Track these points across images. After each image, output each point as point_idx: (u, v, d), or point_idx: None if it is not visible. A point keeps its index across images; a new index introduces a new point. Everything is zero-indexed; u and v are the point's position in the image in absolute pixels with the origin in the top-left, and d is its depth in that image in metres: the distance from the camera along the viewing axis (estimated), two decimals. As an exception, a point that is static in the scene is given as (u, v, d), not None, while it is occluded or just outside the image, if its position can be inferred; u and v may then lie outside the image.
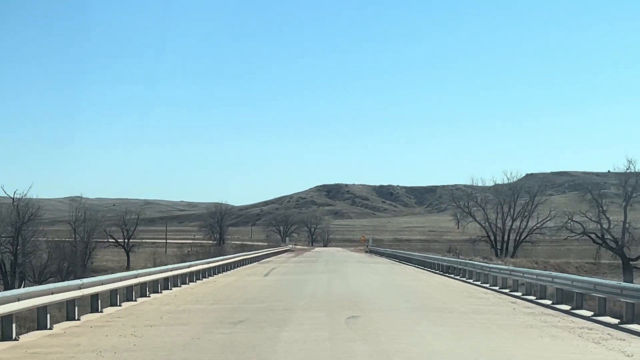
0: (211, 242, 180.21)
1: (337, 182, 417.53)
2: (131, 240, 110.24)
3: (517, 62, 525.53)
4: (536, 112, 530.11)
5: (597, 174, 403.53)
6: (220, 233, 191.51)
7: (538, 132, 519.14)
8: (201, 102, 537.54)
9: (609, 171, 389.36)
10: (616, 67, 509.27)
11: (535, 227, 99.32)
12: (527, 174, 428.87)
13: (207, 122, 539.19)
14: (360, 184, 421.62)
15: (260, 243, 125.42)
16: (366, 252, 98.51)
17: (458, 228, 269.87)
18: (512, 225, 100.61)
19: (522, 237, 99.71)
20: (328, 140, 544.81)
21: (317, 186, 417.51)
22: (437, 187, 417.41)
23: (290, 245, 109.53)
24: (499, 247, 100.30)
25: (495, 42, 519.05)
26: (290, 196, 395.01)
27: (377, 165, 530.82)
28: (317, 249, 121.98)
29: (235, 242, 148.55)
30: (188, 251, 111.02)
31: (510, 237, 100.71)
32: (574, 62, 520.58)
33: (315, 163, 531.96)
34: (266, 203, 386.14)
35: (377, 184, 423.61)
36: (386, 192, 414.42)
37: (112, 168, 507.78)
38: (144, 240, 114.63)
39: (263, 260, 62.04)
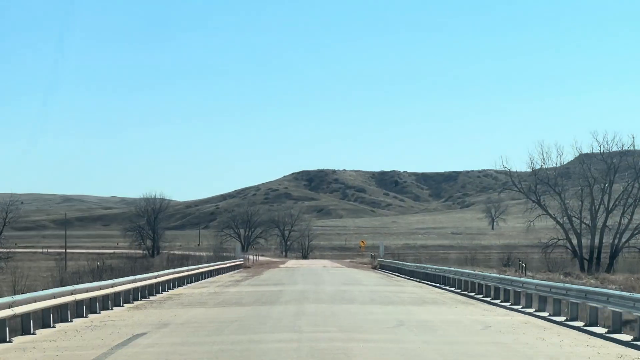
0: (140, 251, 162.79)
1: (321, 168, 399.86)
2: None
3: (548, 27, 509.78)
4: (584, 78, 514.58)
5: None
6: (153, 239, 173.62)
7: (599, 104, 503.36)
8: (144, 80, 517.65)
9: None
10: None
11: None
12: (580, 154, 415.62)
13: (151, 104, 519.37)
14: (354, 171, 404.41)
15: (202, 254, 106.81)
16: (374, 267, 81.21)
17: (492, 229, 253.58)
18: (605, 222, 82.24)
19: (623, 241, 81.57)
20: (308, 115, 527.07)
21: (293, 174, 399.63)
22: (458, 173, 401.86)
23: (243, 258, 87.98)
24: (586, 257, 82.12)
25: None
26: (257, 187, 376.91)
27: (375, 147, 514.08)
28: (291, 262, 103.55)
29: (175, 252, 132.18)
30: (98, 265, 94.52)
31: (603, 241, 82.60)
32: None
33: (290, 144, 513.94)
34: (223, 197, 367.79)
35: (377, 170, 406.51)
36: (389, 181, 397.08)
37: (18, 156, 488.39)
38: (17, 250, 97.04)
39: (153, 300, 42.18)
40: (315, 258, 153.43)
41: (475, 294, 39.24)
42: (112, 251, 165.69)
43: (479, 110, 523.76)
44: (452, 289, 44.19)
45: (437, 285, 48.44)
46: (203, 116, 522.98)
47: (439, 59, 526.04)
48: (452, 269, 47.47)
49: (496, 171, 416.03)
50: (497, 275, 40.15)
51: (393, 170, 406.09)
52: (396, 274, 66.98)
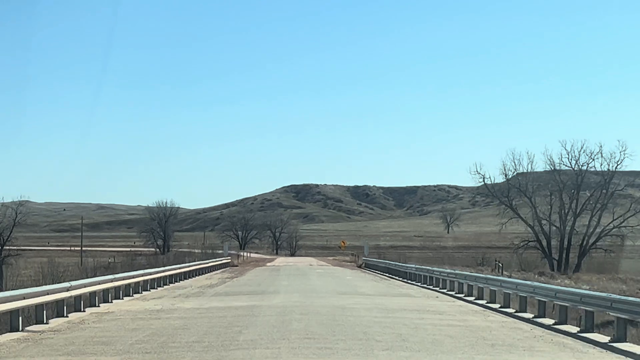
0: (152, 249, 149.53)
1: (306, 182, 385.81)
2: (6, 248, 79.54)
3: (499, 58, 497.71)
4: (529, 105, 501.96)
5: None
6: (164, 239, 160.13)
7: (528, 128, 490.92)
8: (162, 103, 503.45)
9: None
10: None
11: (608, 227, 67.75)
12: (517, 173, 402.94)
13: (167, 123, 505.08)
14: (333, 185, 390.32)
15: (201, 251, 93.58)
16: (359, 266, 64.73)
17: (448, 232, 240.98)
18: (574, 225, 68.69)
19: (591, 242, 68.01)
20: (297, 138, 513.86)
21: (284, 187, 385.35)
22: (417, 187, 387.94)
23: (233, 255, 72.87)
24: (555, 257, 68.58)
25: (480, 37, 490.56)
26: (254, 198, 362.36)
27: (350, 165, 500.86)
28: (279, 260, 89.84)
29: (183, 250, 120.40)
30: (109, 262, 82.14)
31: (572, 243, 69.07)
32: (555, 59, 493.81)
33: (282, 162, 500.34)
34: (227, 206, 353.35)
35: (352, 184, 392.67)
36: (362, 193, 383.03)
37: (63, 170, 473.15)
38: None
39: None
40: (302, 256, 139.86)
41: (488, 302, 25.54)
42: (129, 249, 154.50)
43: (434, 132, 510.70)
44: (473, 299, 27.85)
45: (451, 293, 30.82)
46: (213, 139, 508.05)
47: (401, 90, 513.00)
48: (466, 273, 32.16)
49: (448, 185, 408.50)
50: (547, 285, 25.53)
51: (365, 185, 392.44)
52: (385, 274, 50.42)
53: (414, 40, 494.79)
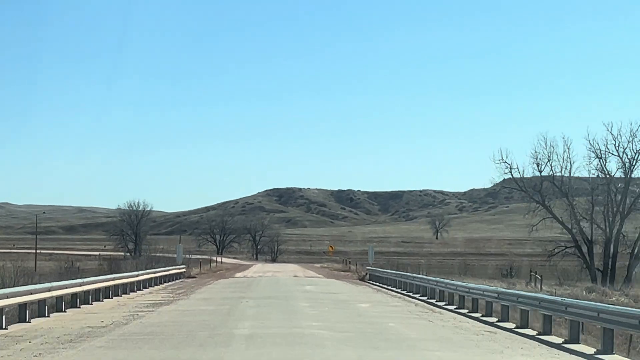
0: (122, 254, 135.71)
1: (289, 186, 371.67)
2: None
3: (485, 62, 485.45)
4: (518, 110, 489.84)
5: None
6: (135, 242, 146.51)
7: (515, 133, 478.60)
8: (144, 104, 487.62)
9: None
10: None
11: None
12: (503, 179, 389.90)
13: (151, 125, 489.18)
14: (316, 189, 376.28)
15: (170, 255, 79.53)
16: (361, 278, 48.74)
17: (437, 238, 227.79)
18: (621, 227, 54.95)
19: (642, 249, 54.35)
20: (280, 141, 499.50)
21: (266, 190, 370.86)
22: (403, 192, 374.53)
23: (191, 262, 56.79)
24: (598, 268, 54.72)
25: (466, 41, 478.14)
26: (235, 201, 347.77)
27: (334, 169, 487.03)
28: (257, 267, 73.93)
29: (156, 255, 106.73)
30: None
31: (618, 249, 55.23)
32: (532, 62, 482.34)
33: (265, 165, 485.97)
34: (207, 209, 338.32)
35: (336, 189, 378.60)
36: (346, 198, 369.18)
37: (45, 173, 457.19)
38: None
39: None
40: (284, 262, 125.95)
41: None
42: (97, 253, 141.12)
43: (420, 137, 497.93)
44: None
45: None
46: (195, 140, 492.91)
47: (386, 93, 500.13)
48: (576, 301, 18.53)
49: (434, 191, 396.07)
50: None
51: (349, 189, 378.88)
52: (406, 294, 34.41)
53: (398, 44, 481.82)
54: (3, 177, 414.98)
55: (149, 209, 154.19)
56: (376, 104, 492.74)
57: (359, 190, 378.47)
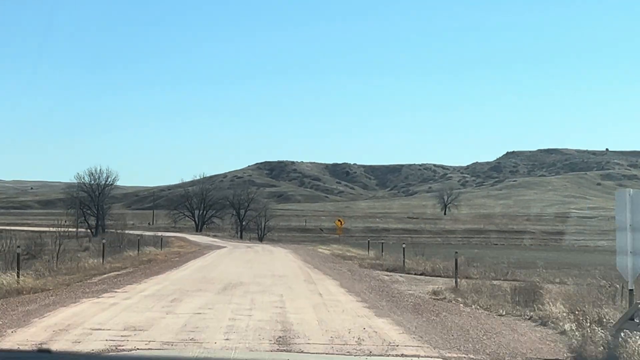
0: (82, 230, 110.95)
1: (281, 160, 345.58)
2: None
3: (490, 36, 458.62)
4: (517, 85, 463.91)
5: (594, 152, 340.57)
6: (97, 217, 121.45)
7: (519, 106, 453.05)
8: (131, 75, 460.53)
9: (606, 149, 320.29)
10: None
11: None
12: (507, 152, 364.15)
13: (138, 98, 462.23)
14: (310, 162, 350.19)
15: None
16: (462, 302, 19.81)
17: (445, 214, 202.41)
18: None
19: None
20: (272, 113, 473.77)
21: (257, 164, 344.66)
22: (401, 166, 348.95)
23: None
24: None
25: (467, 12, 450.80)
26: (224, 175, 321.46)
27: (328, 142, 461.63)
28: (224, 252, 47.90)
29: (119, 231, 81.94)
30: None
31: None
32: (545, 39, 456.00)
33: (255, 138, 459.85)
34: (193, 183, 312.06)
35: (330, 162, 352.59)
36: (341, 172, 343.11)
37: (36, 147, 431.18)
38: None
39: None
40: (273, 241, 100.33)
41: None
42: (51, 229, 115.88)
43: (418, 108, 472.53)
44: None
45: None
46: (185, 114, 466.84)
47: (386, 64, 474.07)
48: None
49: (435, 165, 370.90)
50: None
51: (344, 163, 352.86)
52: None
53: (394, 14, 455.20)
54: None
55: (112, 177, 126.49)
56: (372, 75, 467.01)
57: (355, 164, 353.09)
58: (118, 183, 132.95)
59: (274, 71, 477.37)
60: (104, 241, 38.61)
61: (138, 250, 40.99)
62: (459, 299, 19.83)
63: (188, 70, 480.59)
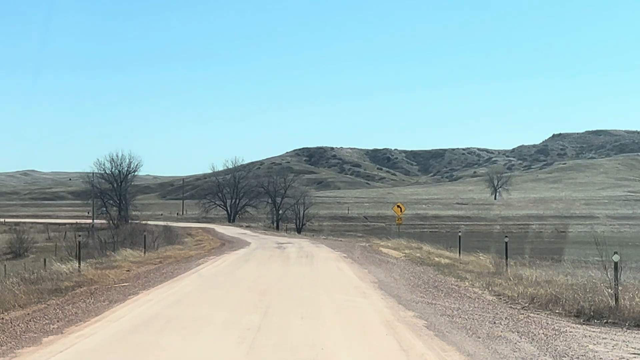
0: (105, 222, 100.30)
1: (320, 145, 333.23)
2: None
3: (529, 15, 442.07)
4: (561, 66, 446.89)
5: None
6: (119, 207, 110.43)
7: (565, 87, 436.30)
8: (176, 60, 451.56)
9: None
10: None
11: None
12: (553, 134, 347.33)
13: (173, 93, 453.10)
14: (350, 148, 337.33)
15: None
16: None
17: (495, 199, 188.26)
18: None
19: None
20: (310, 100, 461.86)
21: (295, 150, 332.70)
22: (444, 150, 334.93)
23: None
24: None
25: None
26: (261, 162, 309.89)
27: (368, 127, 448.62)
28: (240, 256, 34.00)
29: (150, 223, 75.40)
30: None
31: None
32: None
33: (294, 124, 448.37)
34: (230, 171, 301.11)
35: (371, 148, 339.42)
36: (382, 158, 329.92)
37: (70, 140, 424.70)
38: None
39: None
40: (314, 231, 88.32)
41: None
42: (74, 222, 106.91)
43: (462, 92, 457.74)
44: None
45: None
46: (222, 101, 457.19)
47: (427, 46, 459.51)
48: None
49: (478, 149, 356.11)
50: None
51: (385, 148, 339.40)
52: None
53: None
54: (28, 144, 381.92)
55: (135, 164, 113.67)
56: (411, 59, 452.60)
57: (396, 149, 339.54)
58: (154, 173, 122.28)
59: (312, 55, 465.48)
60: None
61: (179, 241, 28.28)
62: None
63: (226, 56, 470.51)
